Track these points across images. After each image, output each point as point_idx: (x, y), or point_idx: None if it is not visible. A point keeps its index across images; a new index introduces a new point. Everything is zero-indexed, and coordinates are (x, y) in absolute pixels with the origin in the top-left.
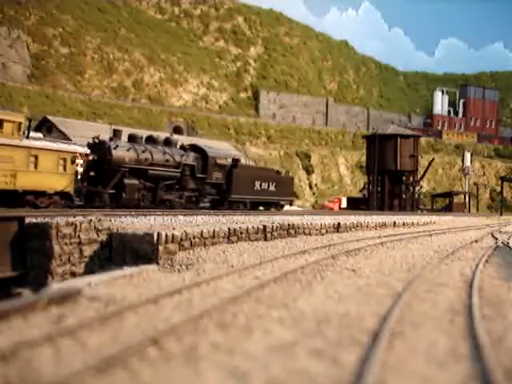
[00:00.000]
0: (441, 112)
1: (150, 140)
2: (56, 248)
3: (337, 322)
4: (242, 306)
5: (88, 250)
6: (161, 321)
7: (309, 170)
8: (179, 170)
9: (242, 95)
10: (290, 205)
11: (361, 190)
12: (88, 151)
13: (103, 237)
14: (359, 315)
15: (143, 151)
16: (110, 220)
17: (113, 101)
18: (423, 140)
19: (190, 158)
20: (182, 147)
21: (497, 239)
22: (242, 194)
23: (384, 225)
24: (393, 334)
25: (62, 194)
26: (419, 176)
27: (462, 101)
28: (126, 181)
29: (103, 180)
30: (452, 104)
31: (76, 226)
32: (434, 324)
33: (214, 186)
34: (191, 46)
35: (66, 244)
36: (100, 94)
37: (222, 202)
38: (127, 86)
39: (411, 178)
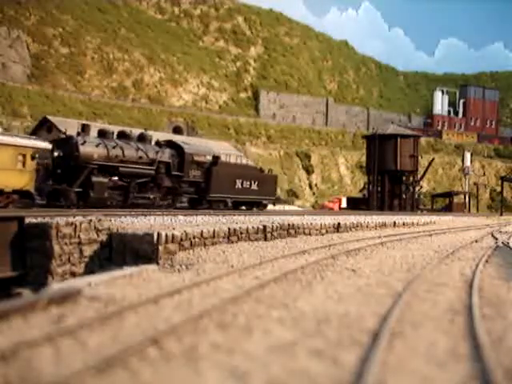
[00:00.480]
0: (441, 112)
1: (123, 136)
2: (56, 248)
3: (337, 322)
4: (242, 306)
5: (88, 250)
6: (161, 321)
7: (309, 170)
8: (153, 168)
9: (242, 95)
10: (274, 204)
11: (361, 190)
12: (49, 146)
13: (103, 237)
14: (359, 315)
15: (114, 147)
16: (110, 220)
17: (113, 101)
18: (423, 140)
19: (166, 155)
20: (158, 143)
21: (497, 239)
22: (221, 193)
23: (384, 225)
24: (393, 334)
25: (22, 193)
26: (419, 176)
27: (461, 101)
28: (94, 178)
29: (70, 178)
30: (452, 104)
31: (76, 226)
32: (434, 324)
33: (192, 185)
34: (191, 46)
35: (65, 244)
36: (100, 94)
37: (201, 201)
38: (127, 86)
39: (411, 178)
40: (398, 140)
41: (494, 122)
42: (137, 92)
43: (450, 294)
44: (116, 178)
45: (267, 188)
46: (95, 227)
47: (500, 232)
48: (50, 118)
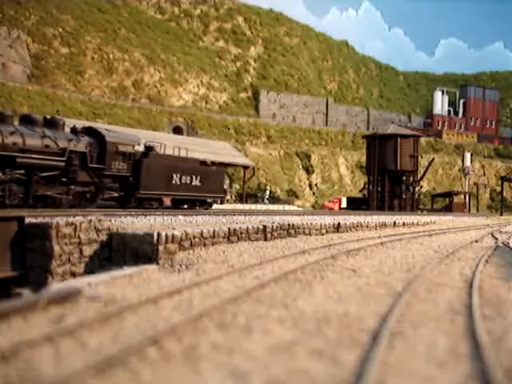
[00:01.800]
0: (441, 112)
1: (26, 120)
2: (56, 248)
3: (337, 322)
4: (242, 305)
5: (88, 250)
6: (161, 321)
7: (309, 170)
8: (63, 159)
9: (242, 95)
10: (221, 203)
11: (361, 190)
12: None
13: (103, 237)
14: (359, 315)
15: (11, 133)
16: (110, 220)
17: (113, 101)
18: (423, 140)
19: (82, 144)
20: (74, 130)
21: (497, 239)
22: (154, 190)
23: (384, 225)
24: (393, 333)
25: None
26: (419, 176)
27: (462, 101)
28: None
29: None
30: (452, 104)
31: (76, 226)
32: (434, 324)
33: (117, 180)
34: (191, 45)
35: (65, 244)
36: (100, 94)
37: (129, 198)
38: (127, 86)
39: (411, 178)
40: (398, 140)
41: (493, 122)
42: (137, 92)
43: (450, 293)
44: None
45: (213, 184)
46: (95, 227)
47: (500, 232)
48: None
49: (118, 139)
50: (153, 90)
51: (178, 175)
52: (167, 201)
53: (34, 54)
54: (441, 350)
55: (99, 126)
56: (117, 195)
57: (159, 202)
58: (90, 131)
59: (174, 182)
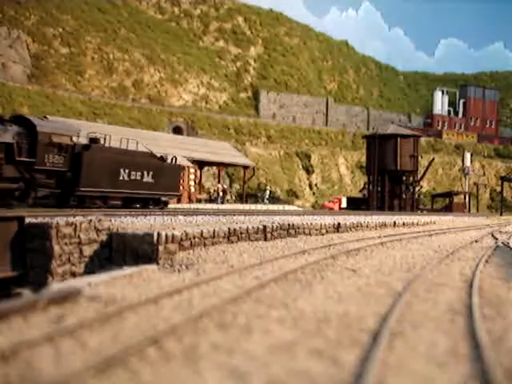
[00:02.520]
0: (441, 112)
1: None
2: (56, 248)
3: (337, 322)
4: (242, 306)
5: (88, 250)
6: (161, 321)
7: (309, 170)
8: None
9: (242, 95)
10: (178, 201)
11: (361, 190)
12: None
13: (103, 237)
14: (359, 315)
15: None
16: (110, 220)
17: (113, 101)
18: (423, 140)
19: (8, 134)
20: (0, 119)
21: (497, 239)
22: (98, 187)
23: (384, 225)
24: (393, 333)
25: None
26: (419, 176)
27: (462, 101)
28: None
29: None
30: (452, 104)
31: (76, 226)
32: (434, 324)
33: (52, 175)
34: (191, 45)
35: (65, 244)
36: (100, 94)
37: (67, 197)
38: (127, 86)
39: (411, 178)
40: (398, 140)
41: (493, 122)
42: (137, 92)
43: (450, 293)
44: None
45: (167, 181)
46: (95, 227)
47: (500, 232)
48: (49, 118)
49: (52, 129)
50: (153, 90)
51: (127, 171)
52: (116, 199)
53: (34, 54)
54: (441, 350)
55: (31, 116)
56: (48, 193)
57: (103, 200)
58: (19, 120)
59: (121, 178)
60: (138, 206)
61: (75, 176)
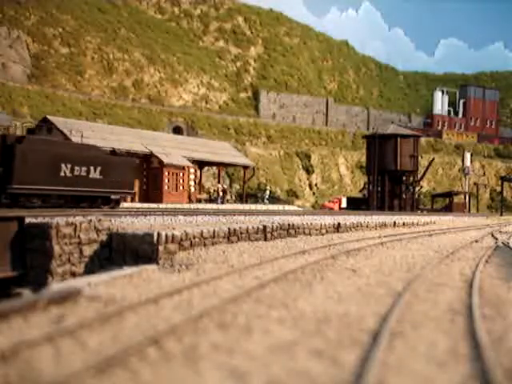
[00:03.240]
0: (441, 112)
1: None
2: (56, 248)
3: (337, 322)
4: (242, 305)
5: (88, 250)
6: (161, 321)
7: (309, 170)
8: None
9: (242, 95)
10: (130, 200)
11: (361, 190)
12: None
13: (103, 237)
14: (359, 315)
15: None
16: (110, 220)
17: (113, 101)
18: (423, 140)
19: None
20: None
21: (497, 239)
22: (34, 184)
23: (384, 225)
24: (393, 333)
25: None
26: (419, 176)
27: (462, 101)
28: None
29: None
30: (452, 104)
31: (76, 226)
32: (434, 324)
33: None
34: (191, 45)
35: (66, 244)
36: (100, 93)
37: None
38: (127, 86)
39: (411, 178)
40: (398, 140)
41: (493, 122)
42: (137, 92)
43: (450, 293)
44: None
45: (119, 177)
46: (95, 227)
47: (500, 232)
48: (49, 118)
49: None
50: (153, 90)
51: (69, 166)
52: (58, 198)
53: (34, 54)
54: (441, 350)
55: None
56: None
57: (41, 199)
58: None
59: (62, 173)
60: (84, 205)
61: (7, 172)
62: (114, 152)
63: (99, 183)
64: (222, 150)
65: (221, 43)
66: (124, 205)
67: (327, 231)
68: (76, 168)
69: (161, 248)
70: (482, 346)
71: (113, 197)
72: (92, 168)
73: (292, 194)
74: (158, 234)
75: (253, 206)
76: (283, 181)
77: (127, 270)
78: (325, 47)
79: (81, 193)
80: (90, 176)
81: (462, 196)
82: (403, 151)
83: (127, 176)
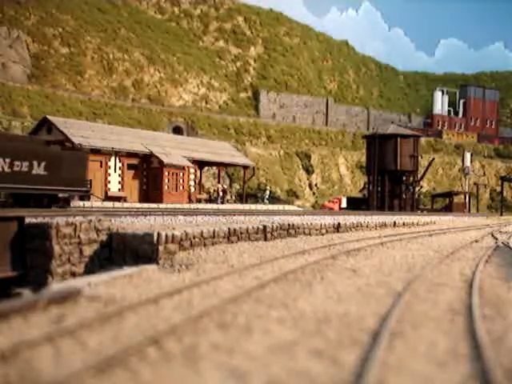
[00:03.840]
0: (441, 112)
1: None
2: (56, 248)
3: (337, 322)
4: (242, 305)
5: (88, 250)
6: (161, 321)
7: (309, 170)
8: None
9: (242, 95)
10: (88, 199)
11: (361, 190)
12: None
13: (103, 237)
14: (359, 315)
15: None
16: (110, 220)
17: (113, 101)
18: (423, 140)
19: None
20: None
21: (497, 239)
22: None
23: (384, 225)
24: (393, 333)
25: None
26: (419, 176)
27: (462, 101)
28: None
29: None
30: (452, 104)
31: (76, 225)
32: (434, 324)
33: None
34: (191, 46)
35: (65, 244)
36: (100, 94)
37: None
38: (127, 86)
39: (411, 178)
40: (398, 140)
41: (493, 122)
42: (137, 92)
43: (450, 293)
44: None
45: (67, 174)
46: (95, 227)
47: (500, 232)
48: (49, 117)
49: None
50: (153, 90)
51: (7, 160)
52: None
53: (34, 54)
54: (441, 350)
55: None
56: None
57: None
58: None
59: None
60: (30, 205)
61: None
62: (63, 145)
63: (43, 180)
64: (222, 150)
65: (221, 43)
66: (124, 205)
67: (327, 231)
68: (16, 163)
69: (161, 248)
70: (481, 346)
71: (61, 195)
72: (35, 163)
73: (292, 194)
74: (158, 234)
75: (253, 206)
76: (283, 181)
77: (127, 270)
78: (325, 47)
79: (22, 191)
80: (33, 172)
81: (462, 196)
82: (403, 151)
83: (77, 172)
